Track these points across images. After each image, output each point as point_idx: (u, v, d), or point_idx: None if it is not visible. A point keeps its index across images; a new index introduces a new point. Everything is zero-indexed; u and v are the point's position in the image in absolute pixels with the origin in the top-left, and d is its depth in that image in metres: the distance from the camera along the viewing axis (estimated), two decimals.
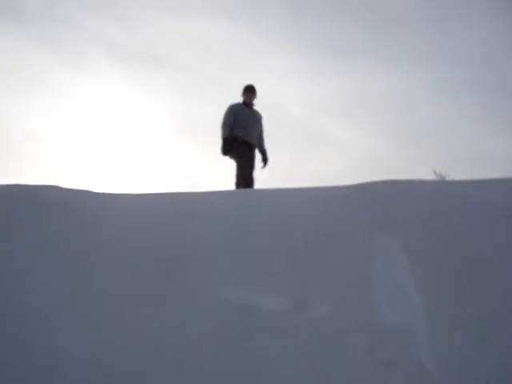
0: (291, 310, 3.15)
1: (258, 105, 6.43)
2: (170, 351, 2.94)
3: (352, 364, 2.86)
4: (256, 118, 6.42)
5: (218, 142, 6.12)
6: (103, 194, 4.67)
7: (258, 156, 6.35)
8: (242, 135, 6.17)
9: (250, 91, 6.41)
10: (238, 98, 6.34)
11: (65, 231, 3.88)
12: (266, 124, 6.42)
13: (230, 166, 6.16)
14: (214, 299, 3.21)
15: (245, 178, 6.04)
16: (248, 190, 5.60)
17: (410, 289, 3.22)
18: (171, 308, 3.20)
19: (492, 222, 3.80)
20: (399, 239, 3.67)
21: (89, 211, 4.18)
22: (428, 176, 5.92)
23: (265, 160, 6.38)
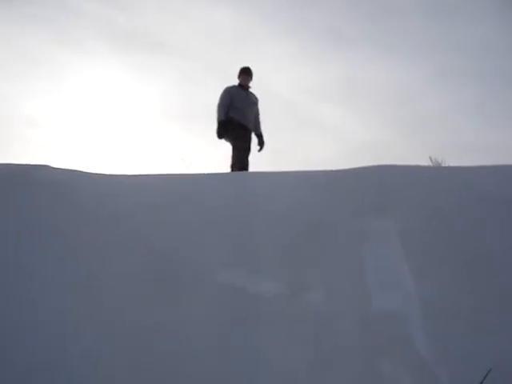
0: (286, 296, 3.12)
1: (259, 91, 6.40)
2: (168, 336, 2.90)
3: (345, 349, 2.83)
4: (252, 101, 6.36)
5: (213, 126, 6.09)
6: (95, 174, 4.62)
7: (254, 139, 6.33)
8: (237, 118, 6.11)
9: (245, 73, 6.37)
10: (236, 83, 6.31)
11: (56, 211, 3.81)
12: (266, 110, 6.42)
13: (226, 150, 6.15)
14: (211, 283, 3.18)
15: (240, 160, 5.99)
16: (241, 172, 5.57)
17: (405, 275, 3.20)
18: (168, 293, 3.15)
19: (489, 209, 3.76)
20: (394, 225, 3.64)
21: (81, 191, 4.12)
22: (424, 162, 5.90)
23: (261, 143, 6.34)
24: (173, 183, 4.50)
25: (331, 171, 4.71)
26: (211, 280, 3.19)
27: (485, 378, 2.29)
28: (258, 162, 6.13)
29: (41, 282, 3.22)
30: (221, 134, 6.09)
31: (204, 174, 4.75)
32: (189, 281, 3.23)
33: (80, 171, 4.63)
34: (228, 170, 5.91)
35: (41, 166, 4.45)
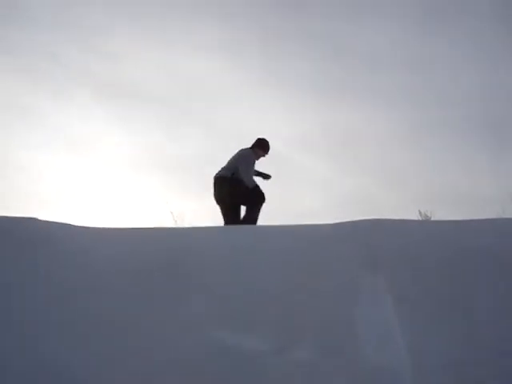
0: (273, 351, 3.01)
1: (239, 141, 6.54)
2: None
3: None
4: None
5: (199, 179, 6.20)
6: (83, 227, 4.66)
7: None
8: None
9: (266, 150, 6.42)
10: (222, 135, 6.43)
11: (43, 264, 3.77)
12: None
13: (210, 202, 6.24)
14: (196, 339, 3.08)
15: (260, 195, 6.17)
16: (230, 226, 5.62)
17: (396, 330, 3.21)
18: (150, 346, 3.03)
19: (479, 264, 3.77)
20: (384, 279, 3.61)
21: (69, 244, 4.12)
22: (413, 216, 6.02)
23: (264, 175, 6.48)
24: (162, 236, 4.54)
25: (321, 225, 4.78)
26: (197, 336, 3.10)
27: None
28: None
29: (22, 328, 3.14)
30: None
31: (193, 228, 4.80)
32: (173, 333, 3.13)
33: (67, 224, 4.66)
34: (217, 222, 5.99)
35: (29, 218, 4.47)
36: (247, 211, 6.21)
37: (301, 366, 2.91)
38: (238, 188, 6.15)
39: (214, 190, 6.28)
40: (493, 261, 3.80)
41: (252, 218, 6.18)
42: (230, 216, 6.10)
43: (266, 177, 6.47)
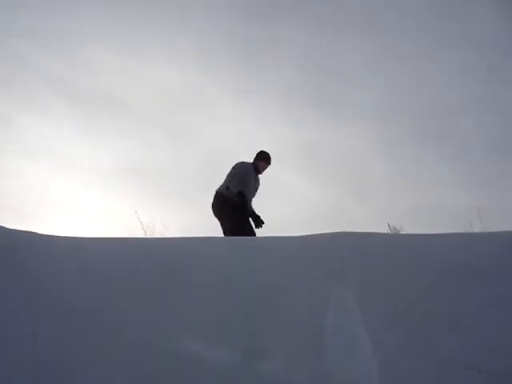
0: (241, 364, 2.98)
1: (213, 154, 6.53)
2: None
3: None
4: (256, 187, 6.42)
5: (168, 189, 6.16)
6: (48, 236, 4.60)
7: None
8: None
9: (268, 162, 6.39)
10: (193, 145, 6.41)
11: (6, 273, 3.72)
12: (216, 173, 6.53)
13: (174, 211, 6.19)
14: (163, 351, 3.03)
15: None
16: (200, 237, 5.60)
17: (363, 341, 3.23)
18: (113, 357, 2.96)
19: (447, 277, 3.82)
20: (353, 292, 3.61)
21: (33, 253, 4.06)
22: (382, 229, 6.09)
23: (259, 221, 6.28)
24: (127, 246, 4.51)
25: (290, 237, 4.80)
26: (163, 348, 3.04)
27: None
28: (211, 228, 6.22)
29: None
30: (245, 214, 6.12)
31: (156, 239, 4.77)
32: (136, 344, 3.07)
33: (32, 232, 4.60)
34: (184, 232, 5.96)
35: None
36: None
37: (267, 378, 2.88)
38: (229, 213, 6.18)
39: (213, 205, 6.32)
40: (460, 275, 3.84)
41: None
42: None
43: (258, 223, 6.29)
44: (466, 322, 3.33)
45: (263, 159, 6.41)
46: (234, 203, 6.17)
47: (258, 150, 6.49)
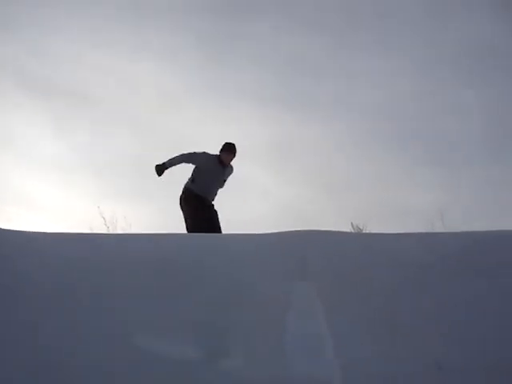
0: (202, 361, 2.97)
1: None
2: None
3: None
4: (223, 179, 6.41)
5: (130, 183, 6.13)
6: (14, 231, 4.54)
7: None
8: (197, 191, 6.23)
9: (229, 151, 6.38)
10: (157, 140, 6.38)
11: None
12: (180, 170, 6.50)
13: (136, 207, 6.16)
14: (123, 348, 2.99)
15: (195, 229, 6.02)
16: (166, 234, 5.57)
17: (326, 340, 3.24)
18: (78, 354, 2.93)
19: (410, 276, 3.85)
20: (316, 290, 3.63)
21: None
22: (345, 228, 6.15)
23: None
24: (93, 242, 4.46)
25: (253, 235, 4.81)
26: (124, 345, 3.02)
27: None
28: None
29: None
30: (159, 171, 6.15)
31: (124, 235, 4.73)
32: (102, 341, 3.03)
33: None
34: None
35: None
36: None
37: (230, 376, 2.86)
38: (186, 203, 6.23)
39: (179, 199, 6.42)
40: (421, 273, 3.89)
41: None
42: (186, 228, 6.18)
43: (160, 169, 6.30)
44: (428, 321, 3.37)
45: (227, 150, 6.40)
46: (194, 194, 6.22)
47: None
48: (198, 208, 6.12)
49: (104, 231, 5.80)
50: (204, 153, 6.32)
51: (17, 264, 3.82)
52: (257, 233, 4.75)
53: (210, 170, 6.29)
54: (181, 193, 6.30)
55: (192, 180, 6.25)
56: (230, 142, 6.45)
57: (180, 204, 6.24)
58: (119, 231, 5.87)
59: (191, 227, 6.08)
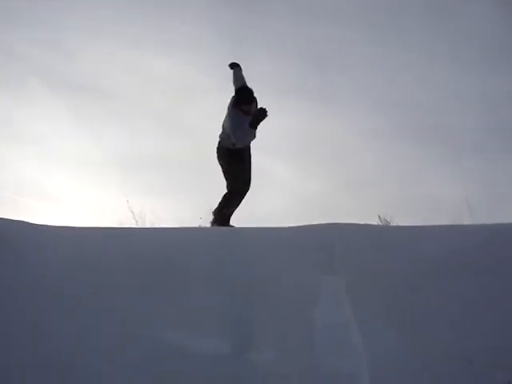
0: (230, 356, 3.03)
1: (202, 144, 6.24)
2: None
3: None
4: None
5: (158, 178, 6.03)
6: (40, 225, 4.60)
7: None
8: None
9: (249, 103, 5.54)
10: (184, 134, 6.26)
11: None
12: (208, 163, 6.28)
13: (165, 200, 6.10)
14: (153, 343, 3.05)
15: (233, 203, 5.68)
16: (189, 228, 5.55)
17: (354, 334, 3.25)
18: (104, 349, 2.99)
19: (436, 270, 3.83)
20: (344, 283, 3.65)
21: (24, 242, 4.03)
22: (372, 221, 6.11)
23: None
24: (117, 236, 4.52)
25: (281, 228, 4.82)
26: (153, 339, 3.07)
27: None
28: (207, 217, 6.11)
29: None
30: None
31: (146, 229, 4.76)
32: (128, 336, 3.09)
33: (23, 222, 4.60)
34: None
35: None
36: (222, 203, 5.73)
37: (258, 368, 2.92)
38: (225, 163, 5.71)
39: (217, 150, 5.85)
40: (451, 267, 3.87)
41: (222, 215, 5.70)
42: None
43: (261, 115, 5.43)
44: (456, 315, 3.37)
45: (242, 103, 5.51)
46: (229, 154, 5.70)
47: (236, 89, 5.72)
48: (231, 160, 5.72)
49: (133, 225, 5.85)
50: (234, 112, 5.54)
51: (55, 259, 3.89)
52: (285, 226, 4.76)
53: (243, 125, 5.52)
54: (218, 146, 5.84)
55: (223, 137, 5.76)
56: (240, 88, 5.63)
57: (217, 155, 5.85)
58: (147, 225, 5.91)
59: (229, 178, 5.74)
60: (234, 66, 5.91)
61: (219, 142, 5.78)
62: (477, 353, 2.99)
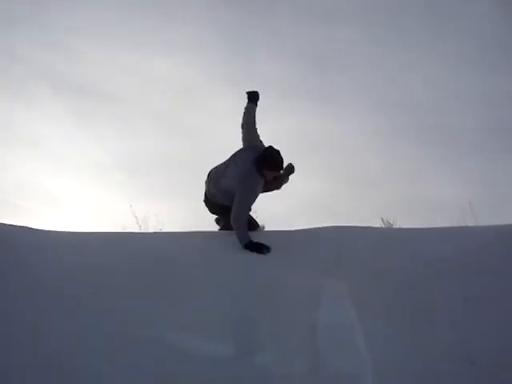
0: (234, 357, 3.04)
1: (203, 145, 6.15)
2: None
3: None
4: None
5: (161, 182, 6.00)
6: (43, 230, 4.60)
7: None
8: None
9: (278, 168, 4.67)
10: (185, 136, 6.19)
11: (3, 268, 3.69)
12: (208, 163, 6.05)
13: (168, 205, 6.07)
14: (152, 342, 3.06)
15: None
16: (196, 232, 5.50)
17: (357, 335, 3.23)
18: (105, 349, 3.01)
19: (440, 271, 3.85)
20: (347, 285, 3.66)
21: (27, 247, 4.05)
22: (375, 223, 6.12)
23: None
24: (119, 241, 4.52)
25: (284, 231, 4.83)
26: (154, 340, 3.07)
27: None
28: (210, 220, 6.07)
29: None
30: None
31: (146, 233, 4.75)
32: (131, 338, 3.10)
33: (25, 227, 4.60)
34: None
35: None
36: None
37: (259, 369, 2.92)
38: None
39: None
40: (453, 268, 3.88)
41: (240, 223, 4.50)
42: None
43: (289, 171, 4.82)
44: (458, 316, 3.37)
45: (269, 167, 4.61)
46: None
47: (265, 148, 4.72)
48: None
49: (136, 230, 5.84)
50: (255, 184, 4.62)
51: (57, 264, 3.88)
52: (289, 229, 4.76)
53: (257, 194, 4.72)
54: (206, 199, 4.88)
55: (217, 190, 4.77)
56: (275, 153, 4.66)
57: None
58: (151, 230, 5.90)
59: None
60: (251, 99, 5.20)
61: (207, 196, 4.87)
62: (478, 353, 3.00)
